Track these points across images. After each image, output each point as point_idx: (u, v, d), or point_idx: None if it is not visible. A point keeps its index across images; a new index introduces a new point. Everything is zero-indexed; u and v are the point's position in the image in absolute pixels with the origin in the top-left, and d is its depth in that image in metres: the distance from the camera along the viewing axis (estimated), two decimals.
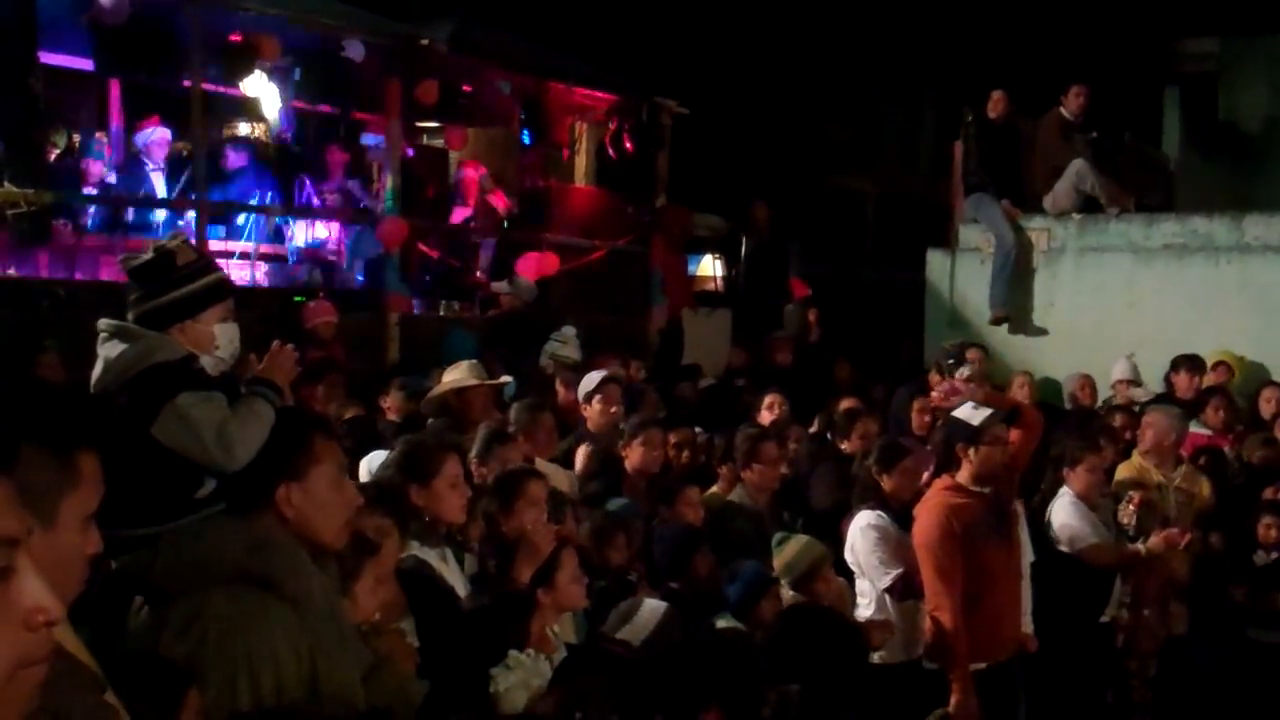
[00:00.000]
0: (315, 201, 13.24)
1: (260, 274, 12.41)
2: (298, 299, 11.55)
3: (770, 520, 6.72)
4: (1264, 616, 7.64)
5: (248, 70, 11.60)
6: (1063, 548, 7.11)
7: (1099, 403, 10.30)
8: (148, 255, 4.63)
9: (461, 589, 4.77)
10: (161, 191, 11.93)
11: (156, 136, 11.96)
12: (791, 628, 4.45)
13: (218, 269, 4.88)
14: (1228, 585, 7.74)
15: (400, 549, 4.13)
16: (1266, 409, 9.68)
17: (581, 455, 7.16)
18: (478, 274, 13.82)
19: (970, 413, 6.25)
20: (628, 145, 14.87)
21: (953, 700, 5.87)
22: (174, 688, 2.78)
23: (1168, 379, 10.17)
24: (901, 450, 6.70)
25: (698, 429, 8.55)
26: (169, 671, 2.82)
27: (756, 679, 3.95)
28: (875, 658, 6.15)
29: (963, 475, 6.12)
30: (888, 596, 6.27)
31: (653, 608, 4.80)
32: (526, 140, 14.94)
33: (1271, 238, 11.10)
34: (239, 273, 11.82)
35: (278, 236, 13.03)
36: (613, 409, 7.78)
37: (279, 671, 2.93)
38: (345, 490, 3.47)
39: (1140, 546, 7.11)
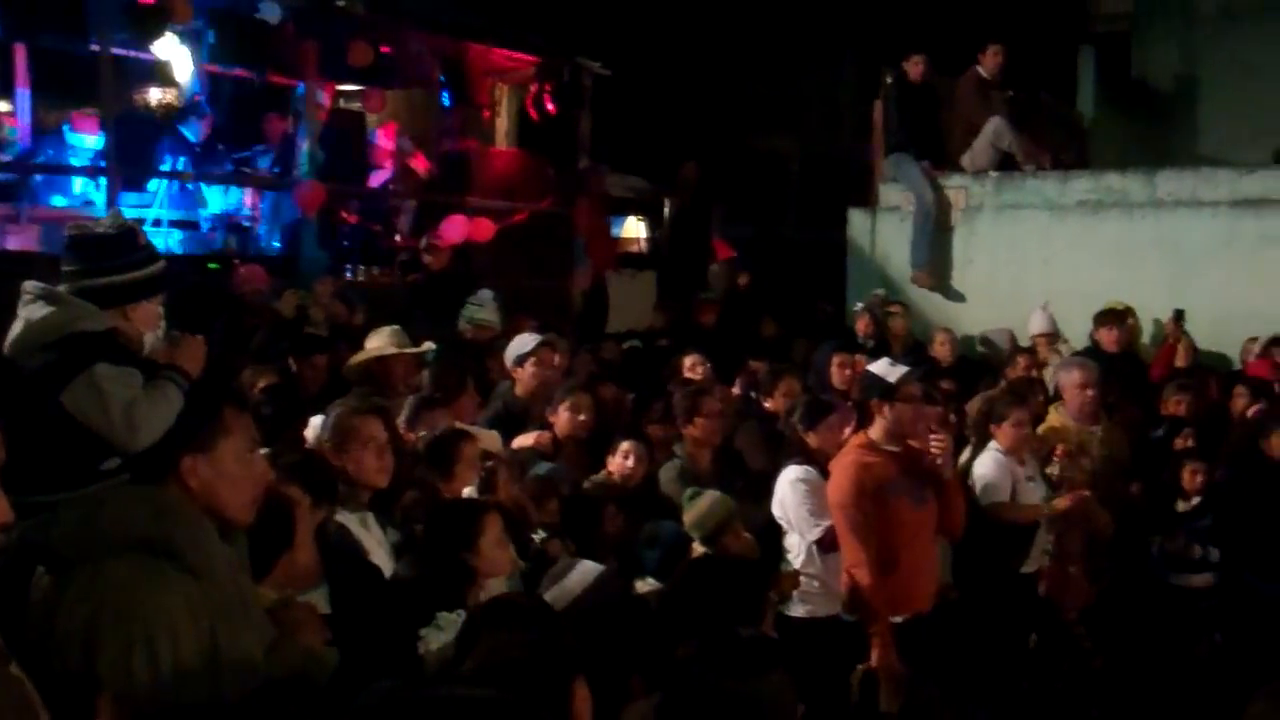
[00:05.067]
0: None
1: (173, 242, 12.22)
2: (212, 266, 11.42)
3: (712, 480, 6.72)
4: (1185, 563, 7.80)
5: (159, 33, 11.37)
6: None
7: None
8: (105, 230, 4.62)
9: (383, 555, 4.75)
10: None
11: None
12: (696, 578, 4.46)
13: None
14: (1149, 534, 7.90)
15: (315, 518, 4.09)
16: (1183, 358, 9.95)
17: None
18: (397, 238, 13.71)
19: (887, 369, 6.32)
20: (549, 107, 14.80)
21: (874, 654, 5.96)
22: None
23: (1093, 336, 10.29)
24: (825, 407, 6.76)
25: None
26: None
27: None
28: (802, 611, 6.24)
29: (876, 431, 6.19)
30: (815, 549, 6.32)
31: (584, 571, 4.78)
32: (446, 102, 14.80)
33: (1183, 193, 11.24)
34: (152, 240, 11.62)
35: (191, 203, 12.82)
36: (546, 374, 7.76)
37: (177, 643, 2.85)
38: (254, 465, 3.43)
39: (1043, 506, 7.22)
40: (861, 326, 10.90)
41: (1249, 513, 7.81)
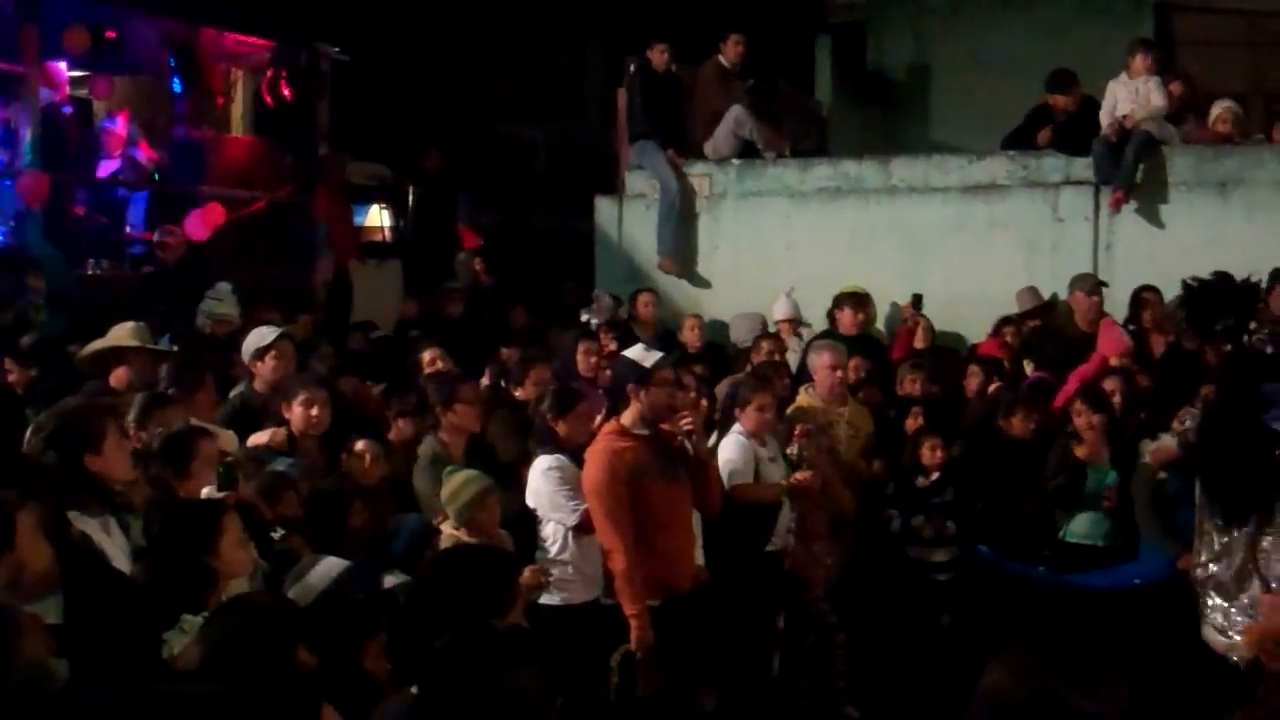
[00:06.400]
0: None
1: None
2: None
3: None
4: (924, 538, 8.05)
5: None
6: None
7: None
8: None
9: (125, 560, 4.57)
10: None
11: None
12: (444, 569, 4.44)
13: None
14: (884, 510, 8.14)
15: (33, 519, 3.88)
16: (921, 339, 10.29)
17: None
18: (127, 230, 13.18)
19: (642, 354, 6.40)
20: (286, 93, 14.41)
21: (632, 637, 6.03)
22: None
23: (831, 316, 10.53)
24: (575, 395, 6.77)
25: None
26: None
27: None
28: (558, 599, 6.23)
29: (628, 417, 6.27)
30: (571, 535, 6.33)
31: (326, 567, 4.71)
32: (178, 89, 14.27)
33: (916, 179, 11.60)
34: None
35: None
36: (287, 367, 7.57)
37: None
38: None
39: (781, 484, 7.36)
40: (605, 341, 10.55)
41: (986, 488, 8.12)
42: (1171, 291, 9.87)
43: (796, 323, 10.77)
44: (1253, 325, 9.12)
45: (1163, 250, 10.50)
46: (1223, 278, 9.62)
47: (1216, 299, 9.50)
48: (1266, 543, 5.58)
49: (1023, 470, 8.03)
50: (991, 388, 8.99)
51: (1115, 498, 7.84)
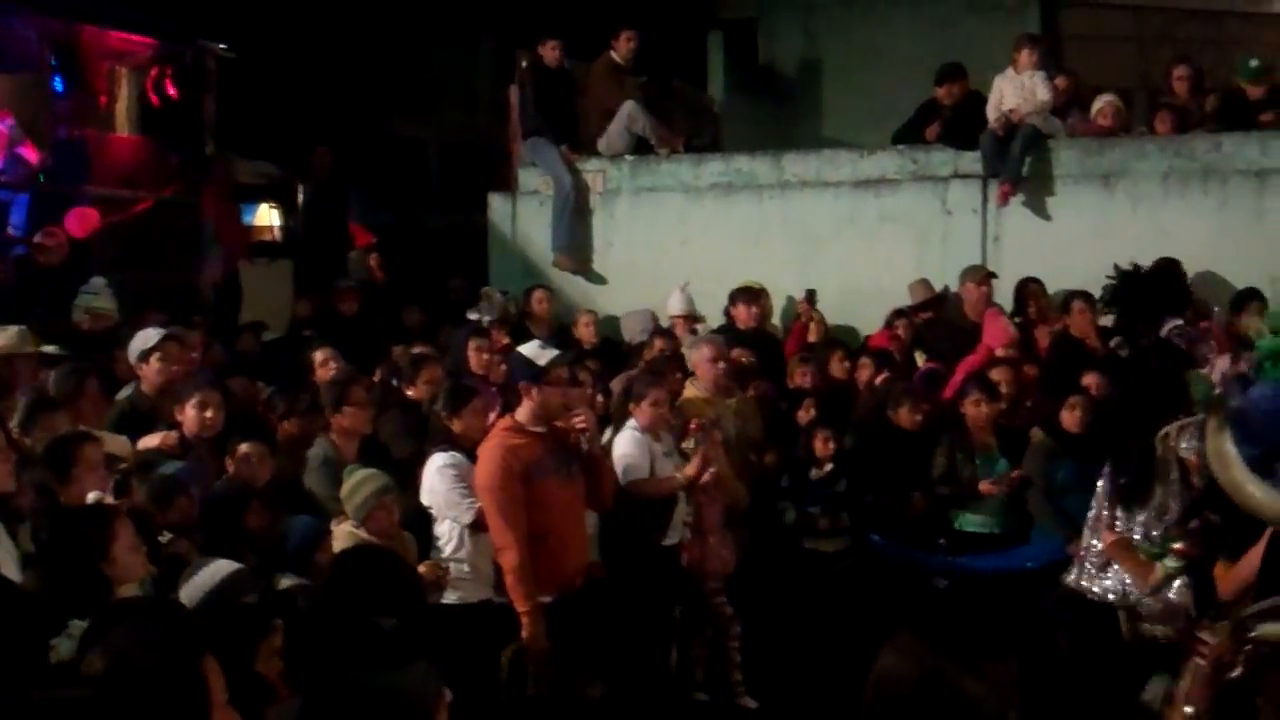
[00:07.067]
0: None
1: None
2: None
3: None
4: (817, 529, 8.13)
5: None
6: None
7: None
8: None
9: (13, 565, 4.52)
10: None
11: None
12: (345, 570, 4.42)
13: None
14: (778, 502, 8.21)
15: None
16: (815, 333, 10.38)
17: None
18: (9, 231, 12.86)
19: (537, 351, 6.40)
20: (171, 91, 14.17)
21: (524, 634, 6.03)
22: None
23: (728, 311, 10.58)
24: (468, 392, 6.76)
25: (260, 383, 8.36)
26: None
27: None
28: (453, 598, 6.22)
29: (522, 413, 6.26)
30: (467, 533, 6.32)
31: (215, 568, 4.67)
32: (59, 88, 13.96)
33: (809, 174, 11.68)
34: None
35: None
36: (173, 368, 7.45)
37: None
38: None
39: (676, 478, 7.37)
40: (498, 339, 10.43)
41: (876, 478, 8.21)
42: (1056, 283, 10.06)
43: (691, 318, 10.79)
44: (1178, 322, 9.29)
45: (1049, 241, 10.68)
46: (1169, 264, 9.70)
47: (1152, 286, 9.61)
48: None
49: (912, 461, 8.14)
50: (879, 379, 9.09)
51: (1014, 485, 7.98)
